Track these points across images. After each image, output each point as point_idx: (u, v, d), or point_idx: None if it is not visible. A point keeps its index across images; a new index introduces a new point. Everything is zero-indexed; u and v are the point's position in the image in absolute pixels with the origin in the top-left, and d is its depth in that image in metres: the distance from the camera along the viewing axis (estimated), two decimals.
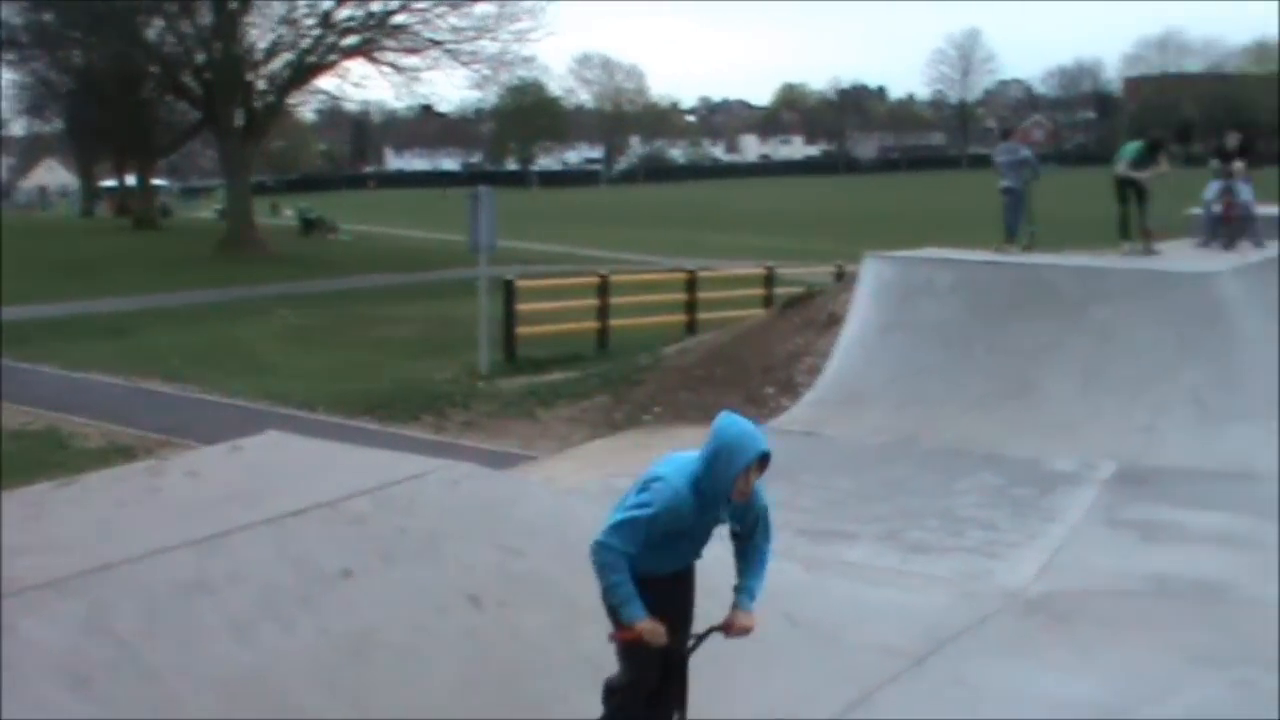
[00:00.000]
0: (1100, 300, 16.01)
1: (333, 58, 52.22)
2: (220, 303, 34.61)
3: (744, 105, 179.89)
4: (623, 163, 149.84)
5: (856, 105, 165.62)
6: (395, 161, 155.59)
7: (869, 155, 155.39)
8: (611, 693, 6.14)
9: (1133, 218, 19.53)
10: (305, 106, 72.09)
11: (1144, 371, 15.07)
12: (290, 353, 25.37)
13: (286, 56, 51.82)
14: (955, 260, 17.88)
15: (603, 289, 25.54)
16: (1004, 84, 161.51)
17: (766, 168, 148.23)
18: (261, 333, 28.35)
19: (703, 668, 7.68)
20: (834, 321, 17.42)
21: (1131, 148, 19.89)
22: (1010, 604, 9.69)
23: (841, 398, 15.82)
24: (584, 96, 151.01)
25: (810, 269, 32.14)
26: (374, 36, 51.54)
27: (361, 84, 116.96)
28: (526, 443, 16.15)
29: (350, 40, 51.76)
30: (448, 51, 51.50)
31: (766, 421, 15.52)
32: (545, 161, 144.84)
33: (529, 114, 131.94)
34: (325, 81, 56.30)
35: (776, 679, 7.89)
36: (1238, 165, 20.51)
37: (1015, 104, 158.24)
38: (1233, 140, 21.07)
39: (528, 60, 62.27)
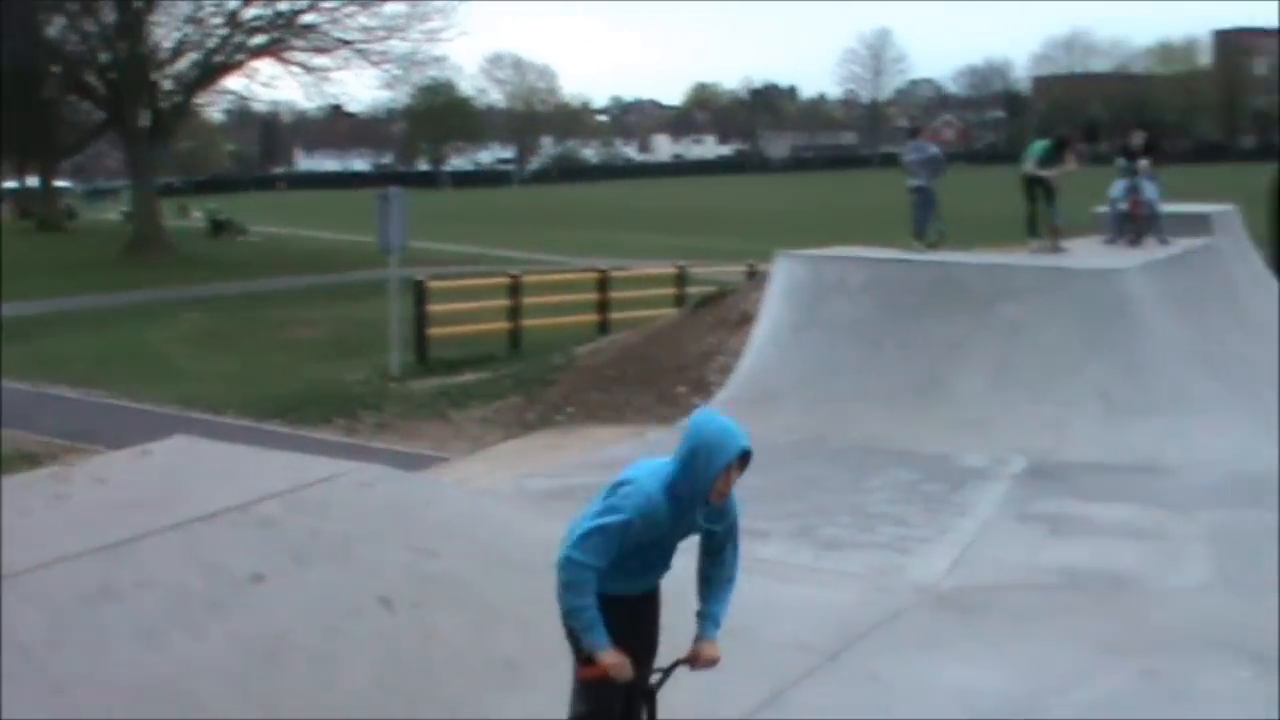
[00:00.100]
0: (1009, 297, 16.16)
1: (240, 57, 51.75)
2: (127, 306, 34.21)
3: (656, 105, 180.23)
4: (535, 163, 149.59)
5: (768, 105, 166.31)
6: (306, 162, 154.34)
7: (781, 154, 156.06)
8: None
9: (1041, 216, 19.75)
10: (213, 107, 71.51)
11: (1052, 367, 15.24)
12: (199, 356, 25.13)
13: (193, 56, 51.28)
14: (866, 259, 17.99)
15: (515, 289, 25.53)
16: (915, 83, 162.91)
17: (679, 167, 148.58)
18: (169, 336, 28.05)
19: None
20: (746, 320, 17.47)
21: (1038, 146, 20.11)
22: (922, 599, 9.77)
23: (754, 396, 15.87)
24: (496, 96, 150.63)
25: (723, 268, 32.23)
26: (282, 36, 51.12)
27: (270, 84, 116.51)
28: (439, 444, 16.10)
29: (258, 40, 51.32)
30: (358, 51, 51.22)
31: (678, 421, 15.55)
32: (457, 162, 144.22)
33: (440, 114, 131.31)
34: (233, 81, 55.92)
35: (689, 678, 7.87)
36: (1143, 163, 20.79)
37: (926, 103, 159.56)
38: (1138, 139, 21.36)
39: (439, 60, 62.18)
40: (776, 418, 15.25)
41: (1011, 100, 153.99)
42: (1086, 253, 19.41)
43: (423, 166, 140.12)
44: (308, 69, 52.21)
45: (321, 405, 18.58)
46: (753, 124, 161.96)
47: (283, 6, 50.01)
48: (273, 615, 6.78)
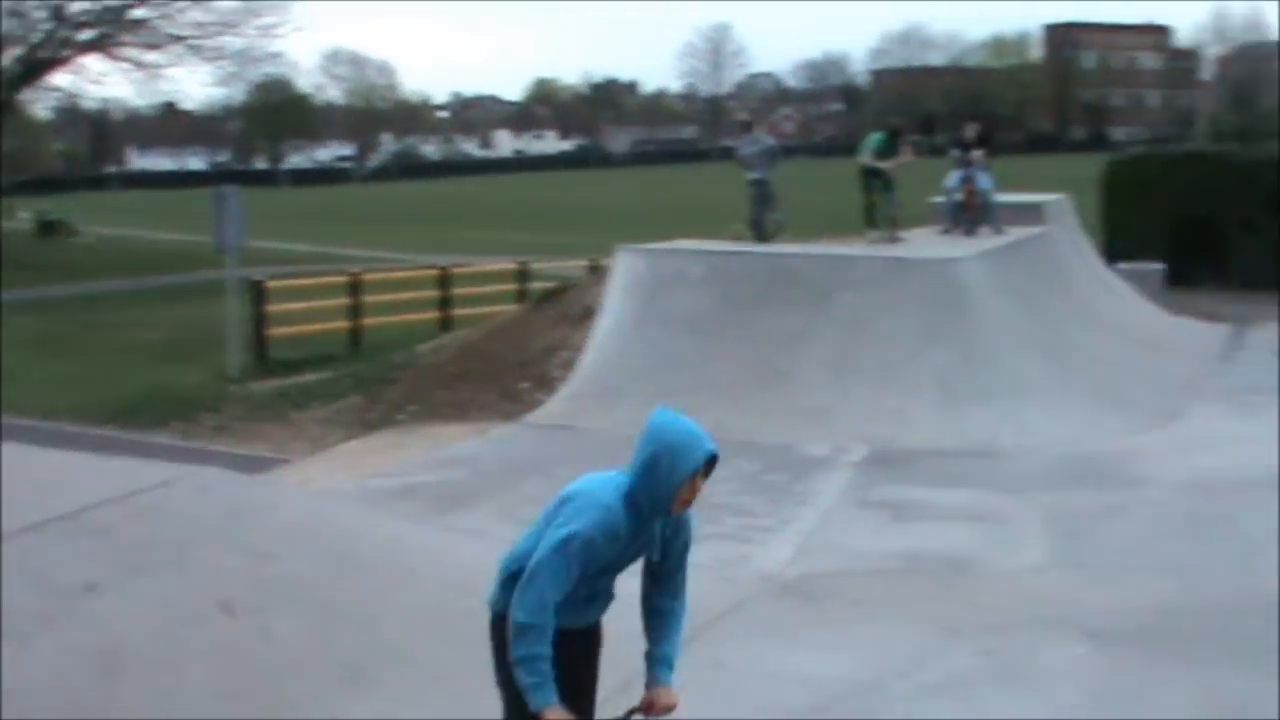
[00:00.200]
0: (848, 288, 16.38)
1: (67, 53, 50.37)
2: None
3: (497, 101, 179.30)
4: (375, 160, 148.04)
5: (609, 100, 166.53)
6: (139, 161, 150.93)
7: (622, 149, 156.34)
8: None
9: (879, 207, 20.03)
10: (40, 104, 69.59)
11: (891, 356, 15.47)
12: (30, 361, 24.43)
13: (16, 51, 49.77)
14: (706, 251, 18.11)
15: (355, 288, 25.27)
16: (754, 77, 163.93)
17: (521, 163, 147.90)
18: None
19: (460, 666, 7.63)
20: (588, 315, 17.48)
21: (875, 138, 20.39)
22: (767, 587, 9.86)
23: (596, 390, 15.89)
24: (334, 93, 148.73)
25: (565, 263, 32.20)
26: (111, 31, 49.83)
27: (100, 81, 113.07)
28: (279, 446, 15.86)
29: (86, 35, 50.00)
30: (190, 47, 50.16)
31: (522, 416, 15.53)
32: (296, 159, 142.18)
33: (277, 111, 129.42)
34: (60, 78, 54.32)
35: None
36: (977, 154, 21.21)
37: (766, 97, 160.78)
38: (971, 131, 21.79)
39: (274, 56, 60.94)
40: (619, 411, 15.26)
41: (850, 94, 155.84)
42: (923, 243, 19.74)
43: (261, 165, 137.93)
44: (139, 65, 51.02)
45: (158, 409, 18.21)
46: (594, 119, 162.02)
47: (111, 1, 48.81)
48: (107, 626, 6.61)
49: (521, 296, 26.21)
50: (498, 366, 17.27)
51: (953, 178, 21.24)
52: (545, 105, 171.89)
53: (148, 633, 6.71)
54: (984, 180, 21.05)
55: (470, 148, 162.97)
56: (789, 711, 7.63)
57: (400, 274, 31.24)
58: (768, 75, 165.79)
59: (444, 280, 27.27)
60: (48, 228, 60.10)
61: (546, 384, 16.38)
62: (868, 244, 19.51)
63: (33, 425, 17.52)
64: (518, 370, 16.97)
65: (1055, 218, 22.50)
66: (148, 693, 6.37)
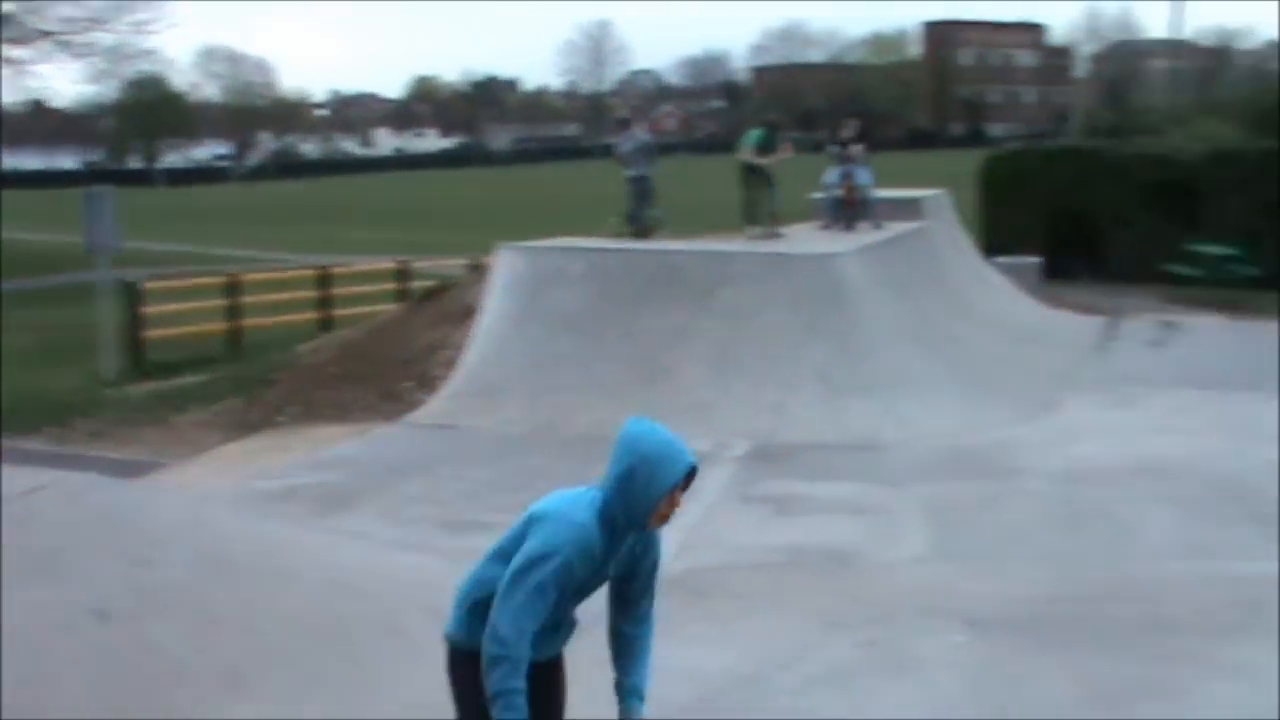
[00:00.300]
0: (728, 284, 16.44)
1: None
2: None
3: (377, 98, 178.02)
4: (254, 158, 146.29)
5: (491, 97, 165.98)
6: (7, 159, 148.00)
7: (504, 147, 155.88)
8: None
9: (760, 203, 20.13)
10: None
11: (773, 352, 15.56)
12: None
13: None
14: (587, 249, 18.09)
15: (234, 289, 24.94)
16: (636, 74, 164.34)
17: (401, 161, 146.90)
18: None
19: (342, 668, 7.58)
20: (469, 313, 17.40)
21: (754, 135, 20.49)
22: None
23: (478, 389, 15.83)
24: (211, 91, 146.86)
25: (446, 261, 31.97)
26: None
27: None
28: (157, 449, 15.58)
29: None
30: (60, 43, 49.14)
31: (403, 416, 15.43)
32: (172, 158, 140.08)
33: (152, 109, 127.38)
34: None
35: (421, 672, 7.83)
36: (856, 150, 21.40)
37: (647, 94, 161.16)
38: (850, 127, 21.97)
39: (148, 53, 59.89)
40: (502, 410, 15.25)
41: (731, 90, 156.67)
42: (803, 238, 19.86)
43: (135, 164, 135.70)
44: (5, 61, 49.92)
45: (30, 414, 17.79)
46: (475, 117, 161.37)
47: None
48: None
49: (402, 296, 26.01)
50: (379, 366, 17.14)
51: (832, 173, 21.41)
52: (426, 103, 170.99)
53: (20, 644, 6.57)
54: (863, 176, 21.24)
55: (350, 146, 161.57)
56: (674, 706, 7.63)
57: (280, 274, 30.84)
58: (649, 72, 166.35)
59: (324, 280, 26.99)
60: None
61: (428, 383, 16.28)
62: (748, 240, 19.60)
63: None
64: (399, 370, 16.85)
65: (933, 213, 22.76)
66: (19, 705, 6.24)
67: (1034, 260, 26.78)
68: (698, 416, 14.60)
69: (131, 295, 22.84)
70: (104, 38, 49.35)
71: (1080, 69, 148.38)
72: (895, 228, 20.40)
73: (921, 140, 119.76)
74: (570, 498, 4.64)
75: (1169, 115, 43.10)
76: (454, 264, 29.58)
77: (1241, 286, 25.12)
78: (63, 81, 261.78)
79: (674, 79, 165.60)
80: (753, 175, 20.04)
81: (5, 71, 50.49)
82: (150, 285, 24.22)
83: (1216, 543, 10.80)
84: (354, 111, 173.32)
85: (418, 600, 8.08)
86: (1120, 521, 11.42)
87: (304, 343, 20.25)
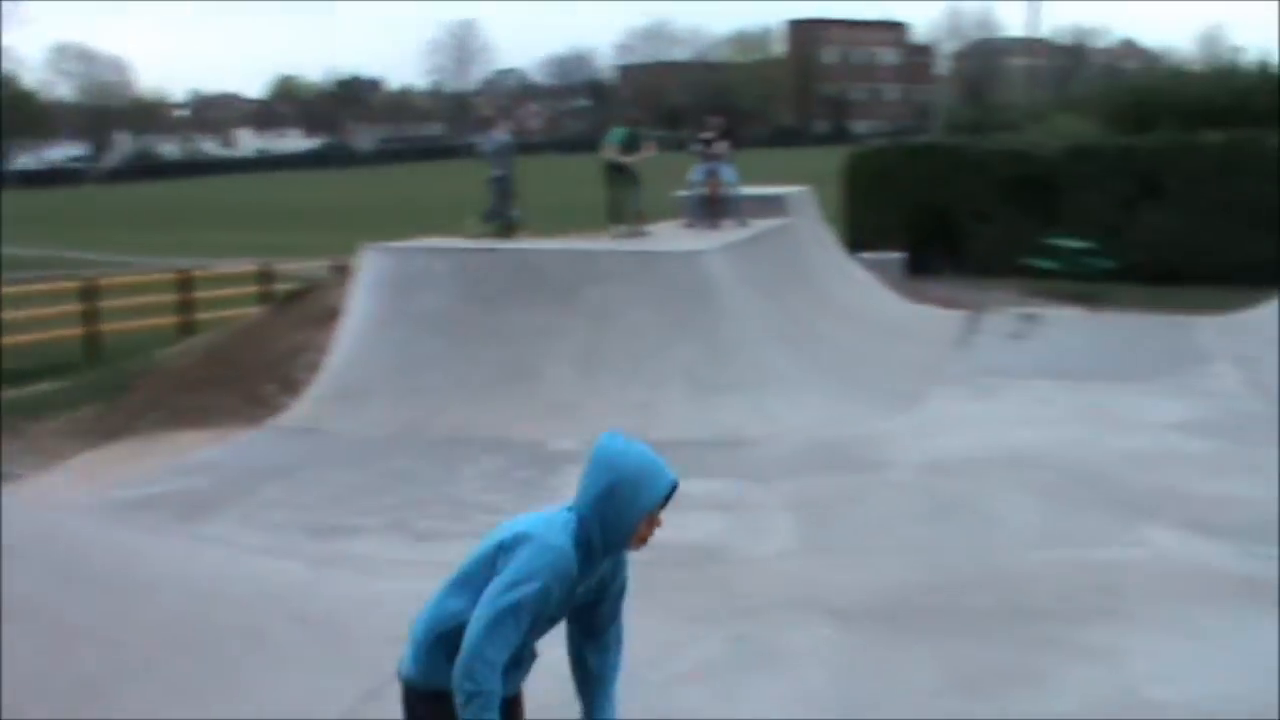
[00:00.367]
0: (594, 283, 16.43)
1: None
2: None
3: (238, 98, 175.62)
4: (111, 159, 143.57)
5: (355, 97, 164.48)
6: None
7: (368, 147, 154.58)
8: None
9: (625, 201, 20.14)
10: None
11: (639, 350, 15.57)
12: None
13: None
14: (451, 249, 17.97)
15: (91, 293, 24.43)
16: (501, 73, 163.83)
17: (264, 162, 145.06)
18: None
19: (204, 678, 7.45)
20: (334, 316, 17.20)
21: (617, 133, 20.49)
22: None
23: (343, 392, 15.66)
24: (64, 90, 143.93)
25: (310, 263, 31.64)
26: None
27: None
28: (11, 460, 15.19)
29: None
30: None
31: (267, 421, 15.22)
32: (24, 160, 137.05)
33: (1, 109, 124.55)
34: None
35: (287, 679, 7.73)
36: (721, 148, 21.51)
37: (512, 93, 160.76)
38: (714, 124, 22.08)
39: None
40: (367, 412, 15.11)
41: (596, 89, 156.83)
42: (668, 236, 19.92)
43: None
44: None
45: None
46: (339, 117, 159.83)
47: None
48: None
49: (266, 299, 25.67)
50: (241, 370, 16.87)
51: (697, 171, 21.51)
52: (289, 103, 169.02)
53: None
54: (728, 173, 21.37)
55: (211, 147, 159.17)
56: (541, 707, 7.57)
57: (139, 278, 30.31)
58: (514, 71, 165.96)
59: (185, 284, 26.54)
60: None
61: (291, 387, 16.07)
62: (613, 239, 19.61)
63: None
64: (262, 374, 16.60)
65: (797, 209, 22.96)
66: None
67: (897, 256, 27.17)
68: (564, 416, 14.60)
69: None
70: None
71: (942, 67, 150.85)
72: (760, 225, 20.54)
73: (786, 138, 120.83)
74: (542, 520, 4.37)
75: (1028, 112, 43.86)
76: (318, 266, 29.30)
77: (1098, 279, 25.69)
78: None
79: (539, 78, 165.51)
80: (617, 174, 20.05)
81: None
82: (4, 290, 23.64)
83: (1075, 530, 10.99)
84: (215, 112, 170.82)
85: (282, 607, 7.98)
86: (982, 511, 11.59)
87: (165, 348, 19.88)
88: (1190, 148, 27.70)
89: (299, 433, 14.71)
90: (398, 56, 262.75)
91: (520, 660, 4.39)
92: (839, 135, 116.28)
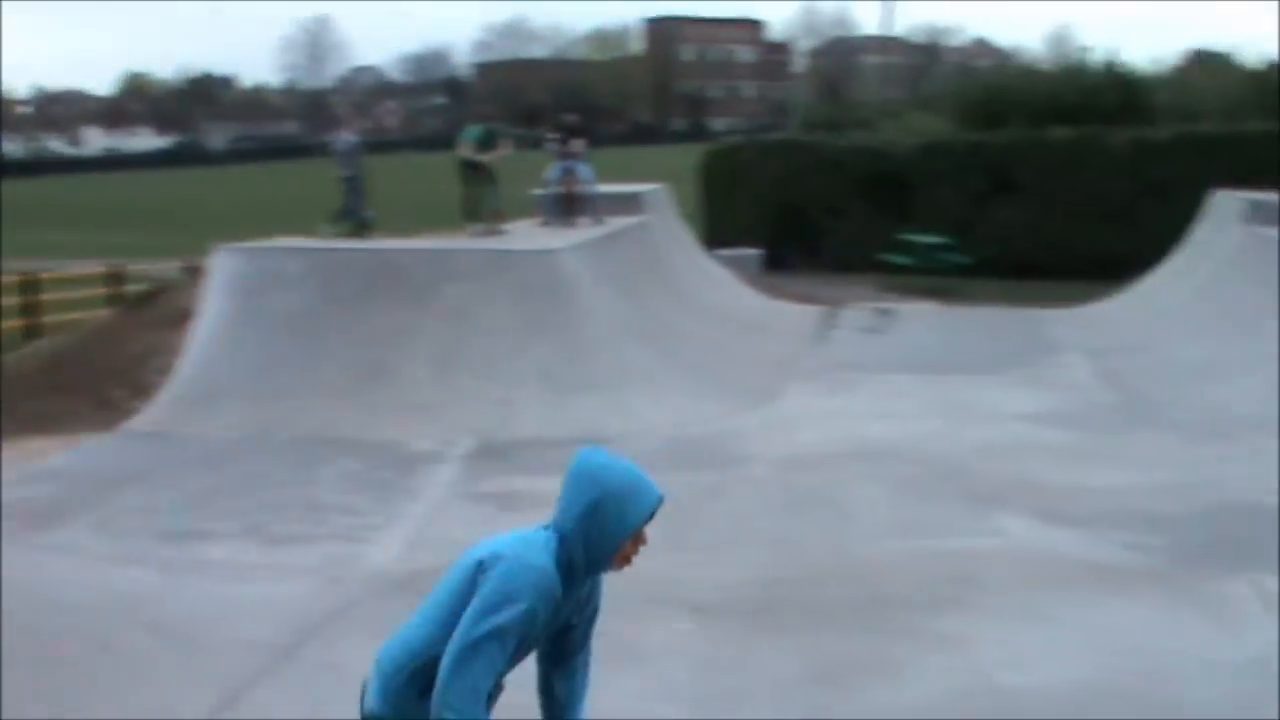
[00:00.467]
0: (450, 282, 16.35)
1: None
2: None
3: (85, 95, 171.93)
4: None
5: (206, 95, 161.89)
6: None
7: (221, 145, 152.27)
8: None
9: (481, 200, 20.08)
10: None
11: (496, 349, 15.53)
12: None
13: None
14: (303, 249, 17.78)
15: None
16: (357, 71, 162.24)
17: (113, 161, 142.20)
18: None
19: (52, 686, 7.30)
20: (186, 317, 16.93)
21: (473, 131, 20.42)
22: (376, 585, 9.73)
23: (196, 394, 15.42)
24: None
25: (162, 264, 31.06)
26: None
27: None
28: None
29: None
30: None
31: (118, 425, 14.93)
32: None
33: None
34: None
35: (140, 688, 7.61)
36: (577, 146, 21.52)
37: (368, 90, 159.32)
38: (569, 122, 22.09)
39: None
40: (221, 415, 14.89)
41: (453, 87, 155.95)
42: (525, 235, 19.90)
43: None
44: None
45: None
46: (191, 115, 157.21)
47: None
48: None
49: (115, 301, 25.16)
50: (91, 375, 16.52)
51: (553, 170, 21.51)
52: (139, 100, 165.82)
53: None
54: (584, 171, 21.39)
55: (58, 145, 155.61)
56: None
57: None
58: (370, 69, 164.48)
59: (30, 286, 25.94)
60: None
61: (143, 391, 15.77)
62: (469, 237, 19.54)
63: None
64: (112, 378, 16.27)
65: (653, 207, 23.07)
66: None
67: (754, 252, 27.42)
68: (422, 416, 14.54)
69: None
70: None
71: (798, 64, 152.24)
72: (616, 223, 20.60)
73: (643, 135, 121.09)
74: (520, 540, 4.08)
75: (882, 109, 44.48)
76: (169, 267, 28.73)
77: (952, 274, 26.15)
78: None
79: (396, 75, 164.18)
80: (473, 172, 19.98)
81: None
82: None
83: (930, 520, 11.16)
84: (60, 109, 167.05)
85: (134, 615, 7.83)
86: (840, 504, 11.72)
87: (9, 352, 19.40)
88: (1040, 144, 28.32)
89: (151, 437, 14.44)
90: (251, 53, 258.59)
91: (491, 693, 4.06)
92: (697, 133, 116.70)
